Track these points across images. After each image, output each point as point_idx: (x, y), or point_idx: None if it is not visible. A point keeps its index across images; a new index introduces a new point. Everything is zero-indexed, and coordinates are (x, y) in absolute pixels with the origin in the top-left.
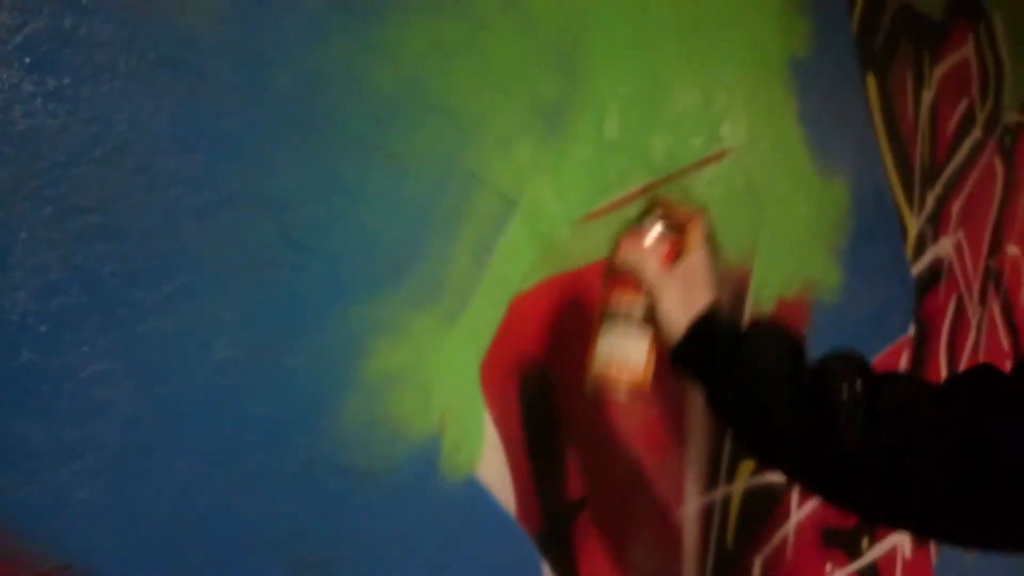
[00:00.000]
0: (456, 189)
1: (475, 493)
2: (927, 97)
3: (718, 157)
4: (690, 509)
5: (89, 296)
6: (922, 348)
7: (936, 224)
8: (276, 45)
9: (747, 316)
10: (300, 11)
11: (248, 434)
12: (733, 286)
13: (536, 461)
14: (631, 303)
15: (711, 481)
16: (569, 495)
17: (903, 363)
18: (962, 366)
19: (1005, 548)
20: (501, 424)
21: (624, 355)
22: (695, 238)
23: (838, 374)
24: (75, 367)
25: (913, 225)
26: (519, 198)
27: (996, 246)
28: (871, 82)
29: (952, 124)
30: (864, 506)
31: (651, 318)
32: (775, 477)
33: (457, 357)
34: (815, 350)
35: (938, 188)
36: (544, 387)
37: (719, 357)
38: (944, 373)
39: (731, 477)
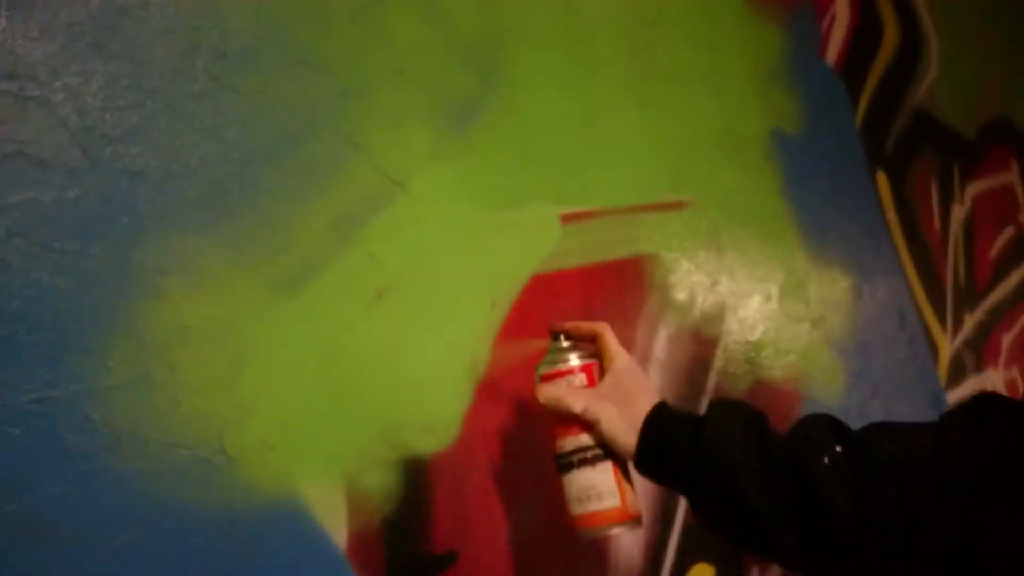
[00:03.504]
0: (324, 148)
1: (287, 511)
2: (959, 212)
3: (676, 207)
4: None
5: None
6: None
7: (980, 352)
8: None
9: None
10: None
11: None
12: (697, 348)
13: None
14: (576, 439)
15: (650, 573)
16: (431, 545)
17: None
18: None
19: None
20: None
21: (595, 491)
22: (609, 348)
23: (813, 440)
24: None
25: (947, 346)
26: (407, 182)
27: None
28: (882, 180)
29: (995, 249)
30: None
31: (603, 445)
32: None
33: (293, 335)
34: None
35: (980, 313)
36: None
37: (681, 453)
38: None
39: None
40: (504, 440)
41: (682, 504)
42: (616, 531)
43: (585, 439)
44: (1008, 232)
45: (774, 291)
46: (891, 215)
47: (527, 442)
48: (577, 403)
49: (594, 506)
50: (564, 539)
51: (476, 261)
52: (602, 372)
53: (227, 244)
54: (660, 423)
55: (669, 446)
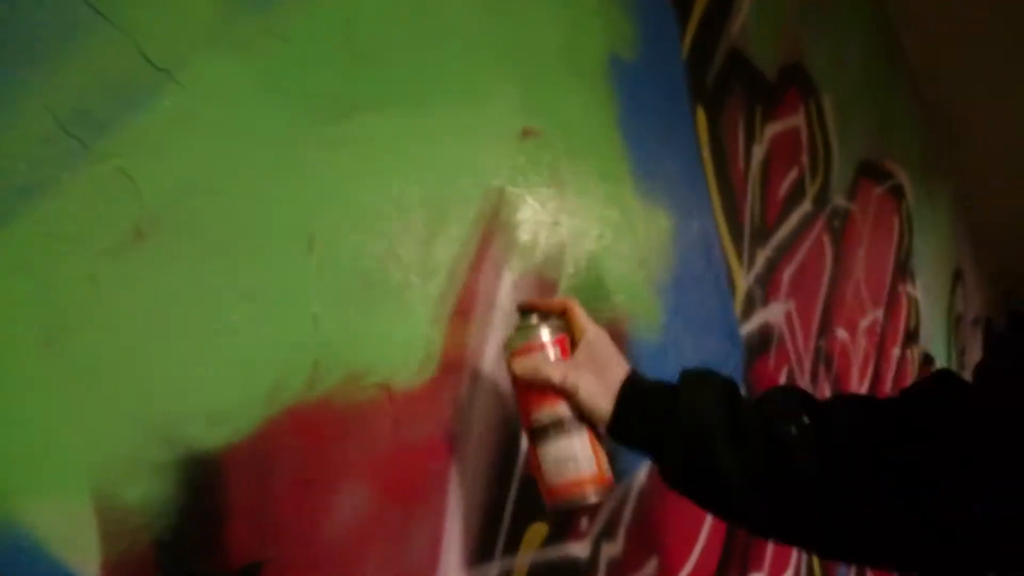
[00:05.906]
0: (50, 14)
1: (12, 545)
2: (758, 152)
3: (525, 135)
4: None
5: None
6: None
7: (766, 287)
8: None
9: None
10: None
11: None
12: (539, 293)
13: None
14: (552, 409)
15: (484, 550)
16: (227, 558)
17: None
18: None
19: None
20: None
21: (573, 460)
22: (579, 320)
23: (782, 412)
24: None
25: (742, 282)
26: (178, 71)
27: (826, 327)
28: (700, 115)
29: (783, 189)
30: (848, 547)
31: (578, 413)
32: (576, 550)
33: None
34: None
35: (768, 250)
36: None
37: (655, 422)
38: None
39: (514, 546)
40: (325, 422)
41: (519, 465)
42: (594, 499)
43: (562, 408)
44: (793, 173)
45: (607, 231)
46: (706, 153)
47: (354, 424)
48: (555, 373)
49: (573, 475)
50: (396, 527)
51: (288, 188)
52: (573, 344)
53: None
54: (636, 391)
55: (644, 415)
